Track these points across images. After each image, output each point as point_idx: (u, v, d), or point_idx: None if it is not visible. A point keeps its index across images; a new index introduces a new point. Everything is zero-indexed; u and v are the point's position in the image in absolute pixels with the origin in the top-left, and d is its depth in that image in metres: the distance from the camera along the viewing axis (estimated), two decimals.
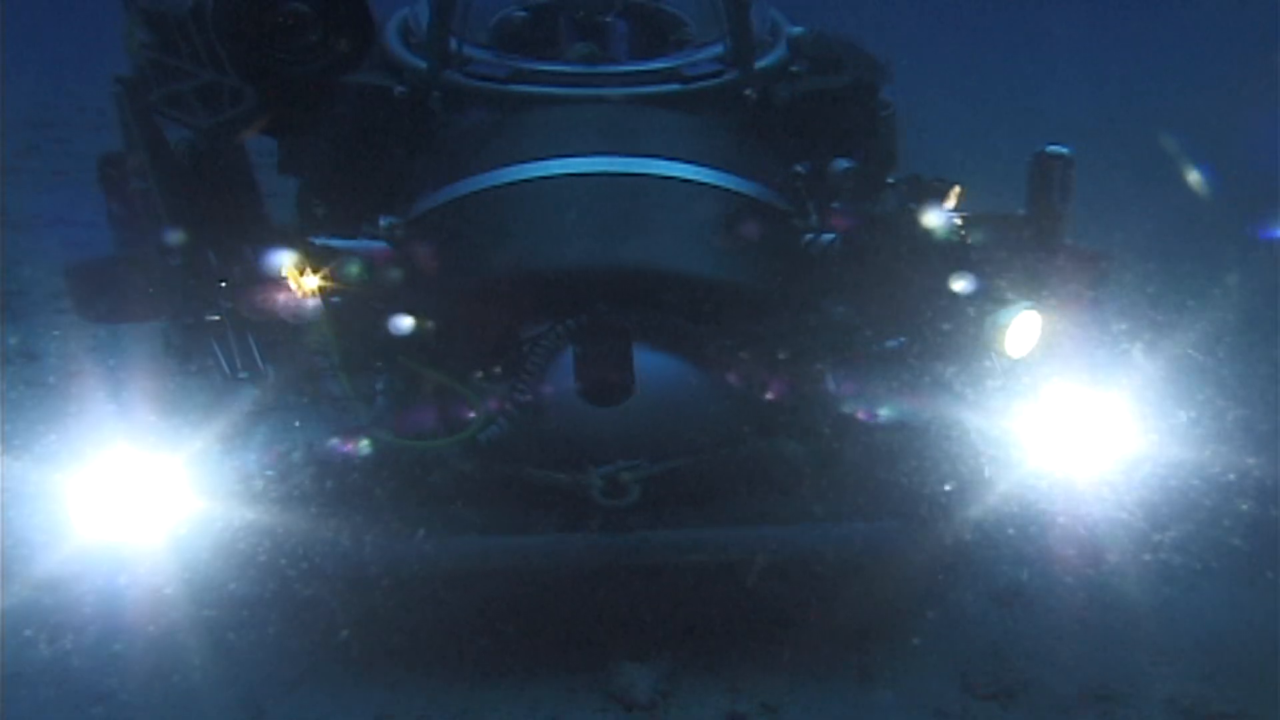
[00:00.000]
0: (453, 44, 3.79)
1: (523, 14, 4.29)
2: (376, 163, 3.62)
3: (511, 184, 3.32)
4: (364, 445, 3.14)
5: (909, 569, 3.38)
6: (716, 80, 3.75)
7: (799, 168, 3.44)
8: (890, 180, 3.35)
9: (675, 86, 3.70)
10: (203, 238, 2.97)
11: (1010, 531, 3.42)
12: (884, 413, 3.27)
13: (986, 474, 3.15)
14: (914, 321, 3.22)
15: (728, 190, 3.39)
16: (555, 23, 4.26)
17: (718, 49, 3.84)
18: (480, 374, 3.23)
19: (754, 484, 3.36)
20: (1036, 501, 3.19)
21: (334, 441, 3.14)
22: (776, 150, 3.68)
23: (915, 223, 3.14)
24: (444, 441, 3.17)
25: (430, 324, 3.18)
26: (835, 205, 3.37)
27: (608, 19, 4.18)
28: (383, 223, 3.41)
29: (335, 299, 3.09)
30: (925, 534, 3.26)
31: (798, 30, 4.02)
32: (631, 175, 3.34)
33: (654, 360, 3.15)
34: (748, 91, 3.74)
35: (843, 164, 3.38)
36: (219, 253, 2.97)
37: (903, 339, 3.27)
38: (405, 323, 3.15)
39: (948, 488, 3.19)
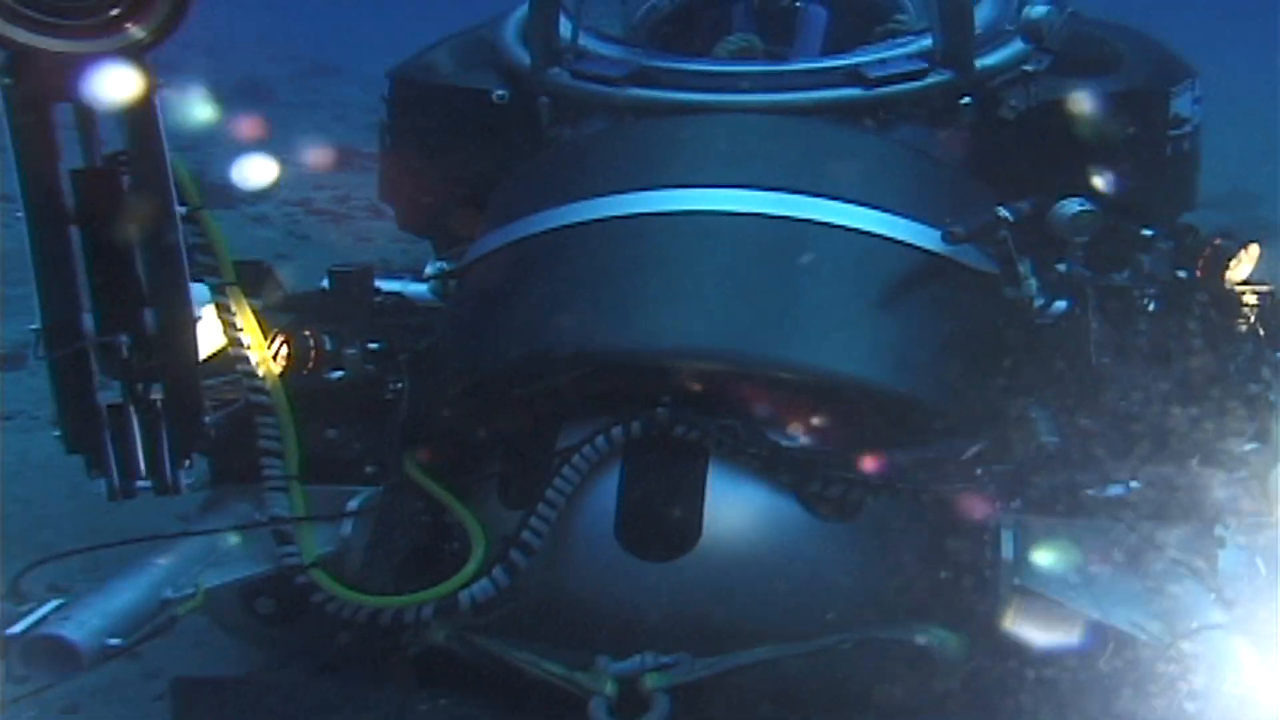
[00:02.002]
0: (567, 35, 3.14)
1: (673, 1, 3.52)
2: (478, 183, 3.01)
3: (581, 224, 2.53)
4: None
5: None
6: (915, 85, 2.94)
7: (1004, 211, 2.46)
8: (1148, 233, 2.65)
9: (855, 92, 2.92)
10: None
11: None
12: (1088, 607, 2.05)
13: None
14: (1159, 455, 2.16)
15: (920, 250, 2.47)
16: (725, 11, 3.52)
17: (926, 41, 3.04)
18: (496, 495, 2.34)
19: (866, 703, 2.21)
20: None
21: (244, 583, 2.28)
22: (1002, 185, 2.78)
23: (1189, 298, 2.51)
24: (406, 599, 2.16)
25: (447, 415, 2.41)
26: (1062, 266, 2.64)
27: (796, 4, 3.42)
28: (429, 269, 2.86)
29: (305, 375, 2.43)
30: None
31: (1039, 11, 3.08)
32: (763, 218, 2.43)
33: (740, 497, 2.18)
34: (964, 100, 2.93)
35: (1074, 207, 2.57)
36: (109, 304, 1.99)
37: (1134, 483, 2.18)
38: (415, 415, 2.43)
39: None
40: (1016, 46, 3.06)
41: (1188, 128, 3.08)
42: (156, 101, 1.89)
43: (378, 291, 2.89)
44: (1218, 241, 2.59)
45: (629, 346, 2.27)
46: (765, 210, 2.45)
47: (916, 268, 2.45)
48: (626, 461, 2.19)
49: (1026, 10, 3.13)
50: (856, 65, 2.99)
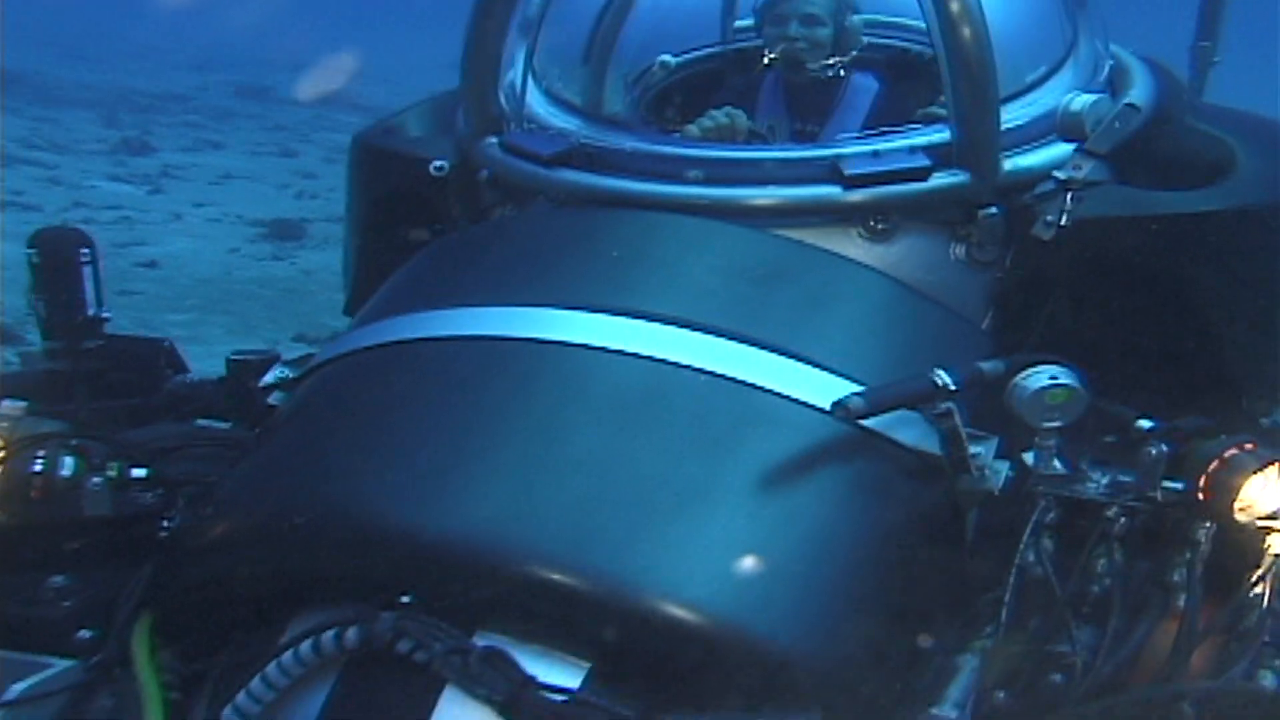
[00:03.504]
0: (532, 96, 2.64)
1: (672, 59, 2.89)
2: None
3: (381, 347, 1.99)
4: None
5: None
6: (910, 187, 2.26)
7: (943, 376, 1.81)
8: (1145, 424, 1.89)
9: (828, 192, 2.27)
10: None
11: None
12: None
13: None
14: None
15: (885, 441, 1.85)
16: (750, 81, 2.86)
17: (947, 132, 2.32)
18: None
19: None
20: None
21: None
22: (1040, 334, 2.20)
23: (1183, 529, 1.84)
24: None
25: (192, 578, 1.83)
26: (1029, 457, 1.88)
27: (829, 75, 2.75)
28: (270, 376, 2.33)
29: None
30: None
31: (1082, 101, 2.32)
32: (625, 358, 1.85)
33: None
34: (986, 212, 2.26)
35: (1041, 379, 1.86)
36: None
37: None
38: None
39: None
40: (1061, 147, 2.36)
41: None
42: None
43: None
44: (1233, 451, 1.79)
45: (363, 524, 1.66)
46: (630, 347, 1.85)
47: (834, 449, 1.79)
48: (340, 678, 1.62)
49: (1066, 100, 2.38)
50: (839, 157, 2.30)
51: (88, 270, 2.74)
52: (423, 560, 1.61)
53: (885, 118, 2.63)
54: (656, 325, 1.90)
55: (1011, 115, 2.39)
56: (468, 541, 1.61)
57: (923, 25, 2.43)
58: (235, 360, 2.61)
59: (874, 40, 2.84)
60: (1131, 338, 2.28)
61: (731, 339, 1.90)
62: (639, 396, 1.83)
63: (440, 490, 1.68)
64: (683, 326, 1.91)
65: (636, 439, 1.77)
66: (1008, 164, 2.32)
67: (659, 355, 1.86)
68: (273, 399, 2.33)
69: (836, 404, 1.79)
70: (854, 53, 2.79)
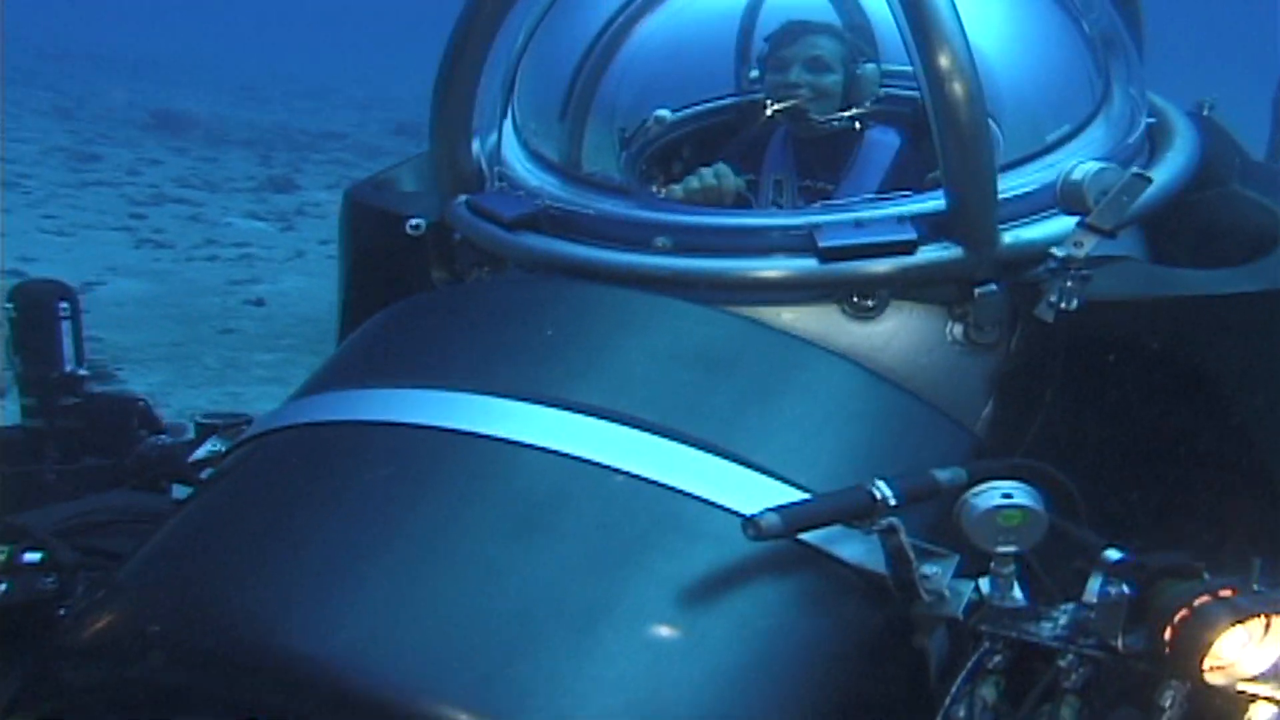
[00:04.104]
0: (510, 151, 2.47)
1: (668, 114, 2.56)
2: None
3: (299, 428, 1.85)
4: None
5: None
6: (894, 264, 1.99)
7: (883, 488, 1.58)
8: (1114, 556, 1.54)
9: (800, 265, 2.01)
10: None
11: None
12: None
13: None
14: None
15: (825, 557, 1.61)
16: (761, 136, 2.57)
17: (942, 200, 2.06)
18: None
19: None
20: None
21: None
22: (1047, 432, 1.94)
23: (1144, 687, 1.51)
24: None
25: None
26: (985, 584, 1.59)
27: (840, 127, 2.45)
28: (201, 451, 2.21)
29: None
30: None
31: (1085, 171, 1.99)
32: (542, 454, 1.65)
33: None
34: (982, 290, 1.99)
35: (993, 497, 1.59)
36: None
37: None
38: None
39: None
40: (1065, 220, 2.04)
41: None
42: None
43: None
44: (1204, 599, 1.45)
45: (218, 639, 1.50)
46: (542, 441, 1.65)
47: (761, 566, 1.55)
48: None
49: (1067, 169, 2.05)
50: (815, 226, 2.04)
51: (66, 325, 2.70)
52: (276, 682, 1.45)
53: (907, 178, 2.34)
54: (577, 417, 1.70)
55: (1023, 180, 2.12)
56: (326, 665, 1.43)
57: None
58: (203, 423, 2.46)
59: (895, 91, 2.55)
60: (1150, 436, 1.97)
61: (659, 434, 1.68)
62: (545, 498, 1.63)
63: (304, 603, 1.51)
64: (605, 419, 1.70)
65: (533, 548, 1.56)
66: (1009, 236, 2.04)
67: (572, 451, 1.66)
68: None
69: (746, 521, 1.53)
70: (869, 104, 2.50)
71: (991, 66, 2.13)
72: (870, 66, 2.50)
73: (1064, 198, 2.05)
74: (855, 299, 2.05)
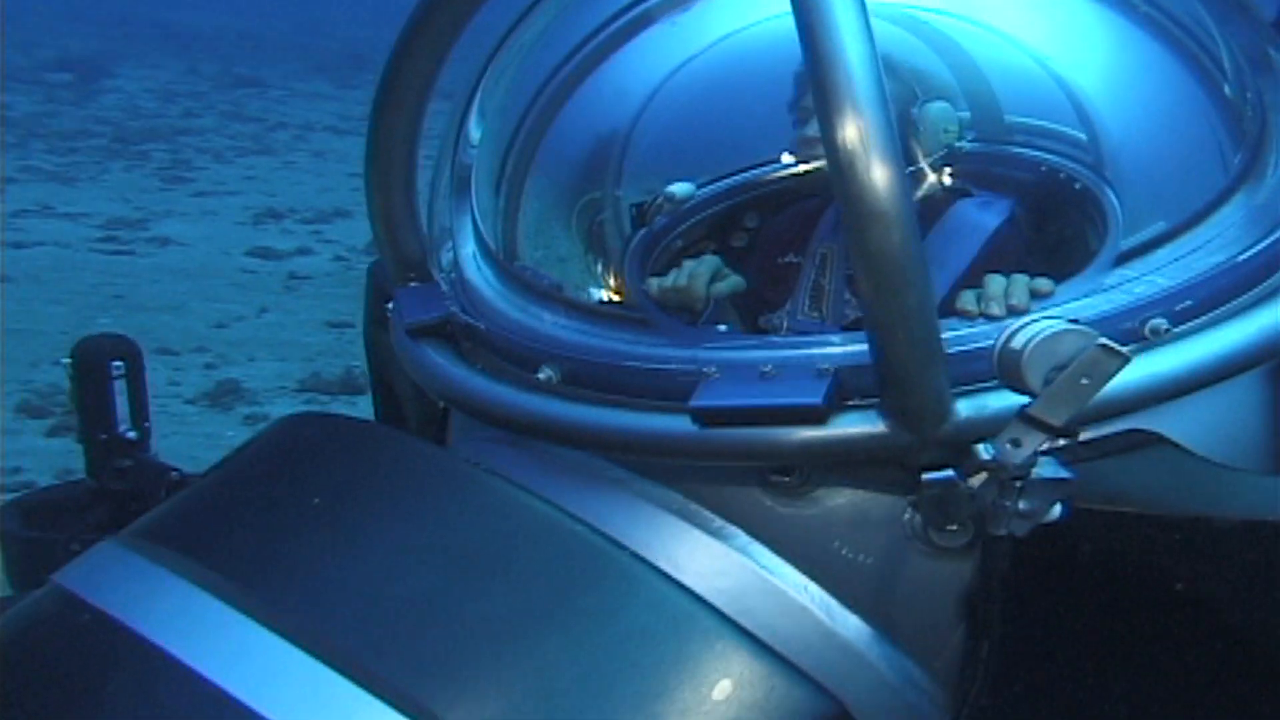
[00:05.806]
0: (461, 226, 2.07)
1: (682, 189, 1.60)
2: None
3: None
4: None
5: None
6: (789, 439, 1.32)
7: None
8: None
9: (674, 427, 1.38)
10: None
11: None
12: None
13: None
14: None
15: None
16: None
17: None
18: None
19: None
20: None
21: None
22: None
23: None
24: None
25: None
26: None
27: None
28: None
29: None
30: None
31: (1025, 336, 1.26)
32: (202, 683, 1.33)
33: None
34: (935, 477, 1.30)
35: None
36: None
37: None
38: None
39: None
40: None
41: None
42: None
43: None
44: None
45: None
46: (201, 665, 1.24)
47: None
48: None
49: (1007, 330, 1.22)
50: (702, 372, 1.40)
51: (119, 385, 2.63)
52: None
53: (1008, 263, 1.57)
54: (263, 634, 1.29)
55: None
56: None
57: (1073, 132, 1.50)
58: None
59: (995, 150, 1.72)
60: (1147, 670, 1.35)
61: (346, 677, 1.23)
62: None
63: None
64: (294, 642, 1.27)
65: None
66: (966, 407, 1.26)
67: (225, 686, 1.25)
68: None
69: None
70: (939, 160, 1.69)
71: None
72: (939, 105, 1.70)
73: (1001, 372, 1.23)
74: (770, 476, 1.39)
